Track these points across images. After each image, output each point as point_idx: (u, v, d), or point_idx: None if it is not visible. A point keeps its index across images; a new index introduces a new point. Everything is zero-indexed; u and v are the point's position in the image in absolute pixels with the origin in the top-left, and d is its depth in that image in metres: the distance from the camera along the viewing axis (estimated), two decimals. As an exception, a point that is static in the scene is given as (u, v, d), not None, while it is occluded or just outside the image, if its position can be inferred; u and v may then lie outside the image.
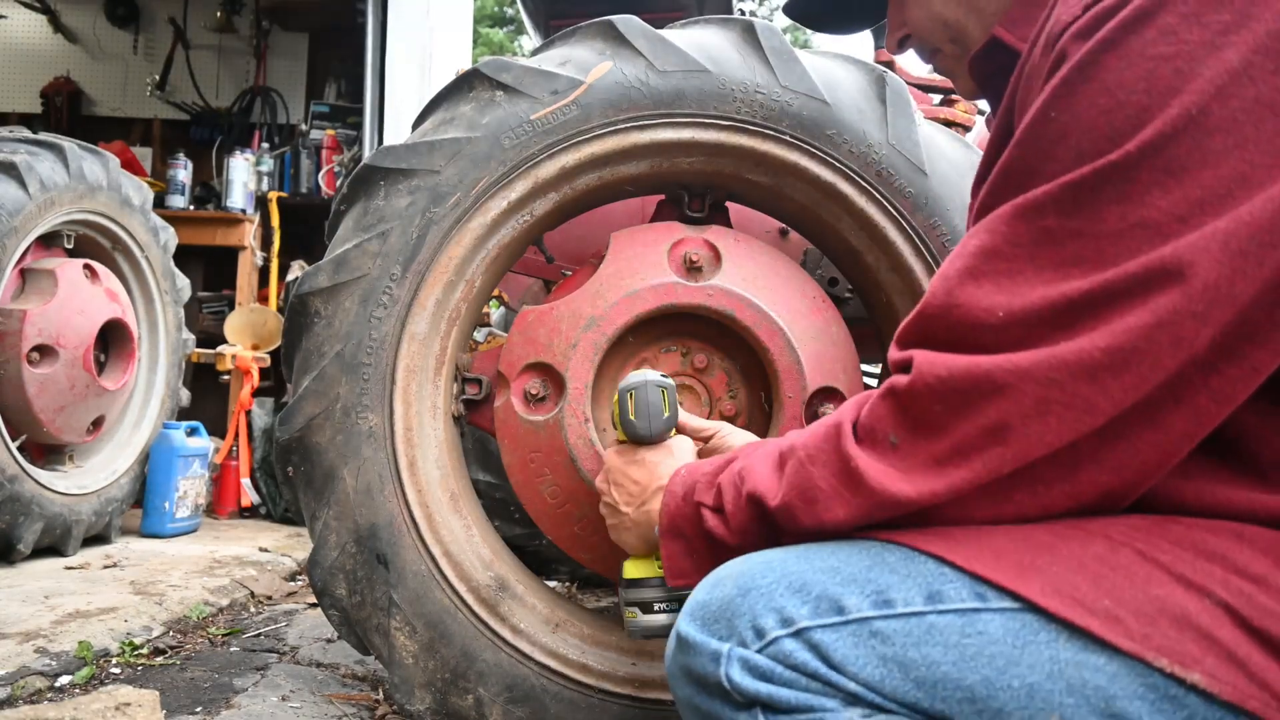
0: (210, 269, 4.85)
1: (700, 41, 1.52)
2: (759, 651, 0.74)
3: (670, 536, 0.96)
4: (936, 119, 2.12)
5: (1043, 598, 0.69)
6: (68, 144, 2.81)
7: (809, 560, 0.78)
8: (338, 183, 4.74)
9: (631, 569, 1.12)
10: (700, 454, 1.20)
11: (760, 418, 1.58)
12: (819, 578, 0.76)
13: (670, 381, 1.13)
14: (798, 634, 0.73)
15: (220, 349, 4.07)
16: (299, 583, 2.87)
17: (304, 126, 5.04)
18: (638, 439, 1.13)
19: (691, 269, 1.53)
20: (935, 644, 0.70)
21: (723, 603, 0.78)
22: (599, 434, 1.51)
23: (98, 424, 3.03)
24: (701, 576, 0.89)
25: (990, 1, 0.94)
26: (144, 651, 1.99)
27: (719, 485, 0.92)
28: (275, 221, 4.67)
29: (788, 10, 1.19)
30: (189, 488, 3.31)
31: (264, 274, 4.71)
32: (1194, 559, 0.70)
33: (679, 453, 1.14)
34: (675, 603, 1.08)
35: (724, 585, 0.79)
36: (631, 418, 1.12)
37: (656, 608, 1.08)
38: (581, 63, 1.51)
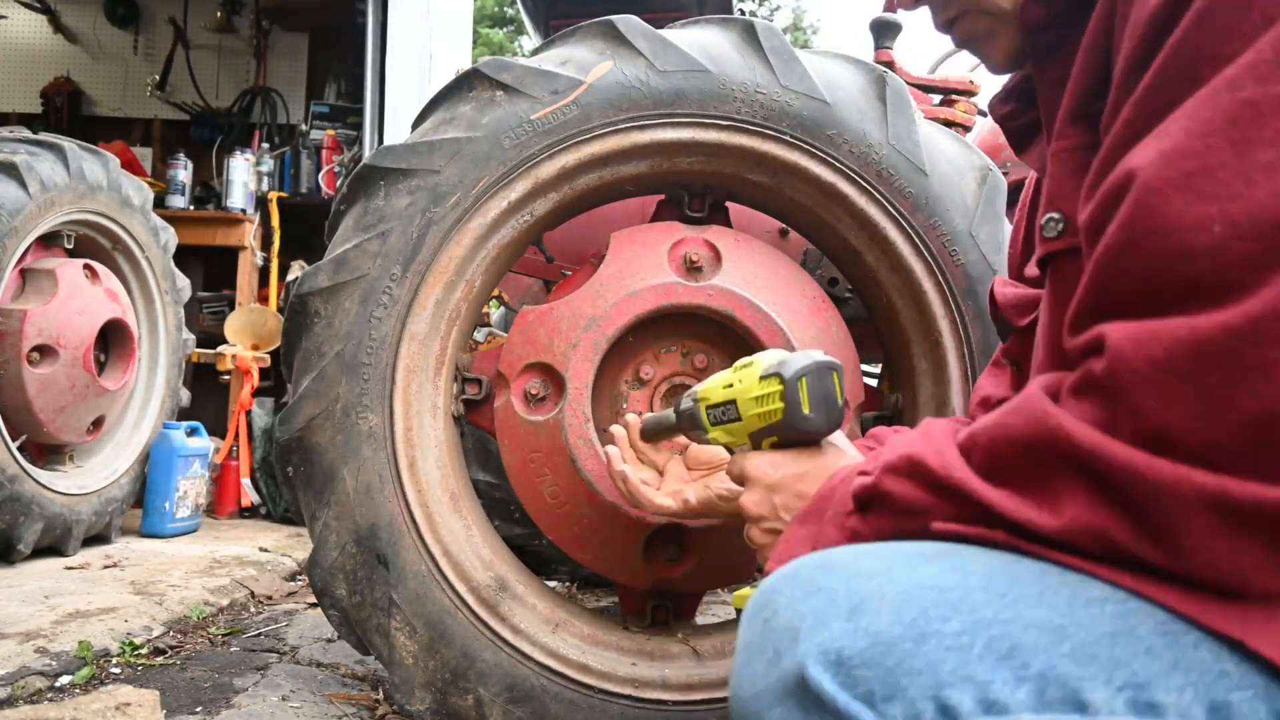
0: (210, 269, 4.85)
1: (700, 41, 1.52)
2: None
3: (801, 522, 0.78)
4: (936, 119, 2.12)
5: None
6: (68, 144, 2.81)
7: (1008, 602, 0.54)
8: (338, 183, 4.74)
9: None
10: None
11: (760, 418, 1.58)
12: (1035, 640, 0.52)
13: (838, 361, 0.92)
14: None
15: (220, 349, 4.07)
16: (299, 583, 2.87)
17: (304, 126, 5.04)
18: (814, 436, 0.90)
19: (691, 269, 1.53)
20: None
21: (878, 646, 0.53)
22: (599, 434, 1.51)
23: (98, 424, 3.03)
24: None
25: None
26: (144, 651, 1.99)
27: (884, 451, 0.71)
28: (275, 221, 4.67)
29: None
30: (189, 488, 3.31)
31: (264, 274, 4.71)
32: None
33: (848, 450, 0.92)
34: None
35: (875, 614, 0.55)
36: (807, 413, 0.88)
37: None
38: (581, 63, 1.51)
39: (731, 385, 0.97)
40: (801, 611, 0.57)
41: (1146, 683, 0.50)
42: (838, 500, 0.72)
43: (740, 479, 0.95)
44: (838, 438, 0.94)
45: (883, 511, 0.66)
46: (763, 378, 0.92)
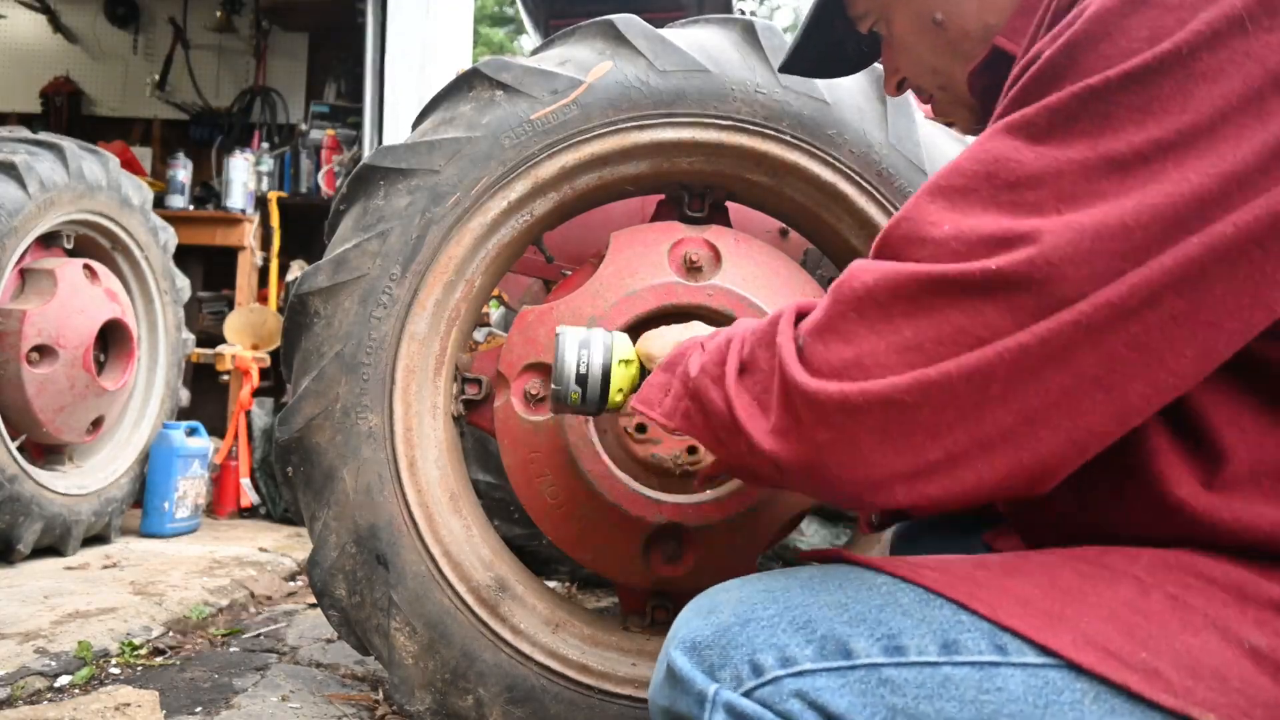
0: (210, 269, 4.85)
1: (700, 41, 1.52)
2: (749, 694, 0.69)
3: (663, 369, 0.95)
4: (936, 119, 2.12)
5: (1075, 651, 0.64)
6: (67, 144, 2.81)
7: (814, 593, 0.73)
8: (338, 183, 4.74)
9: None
10: None
11: (760, 418, 1.58)
12: (825, 614, 0.71)
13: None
14: (799, 676, 0.69)
15: (220, 349, 4.07)
16: (299, 583, 2.87)
17: (304, 126, 5.04)
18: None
19: (691, 269, 1.53)
20: (950, 698, 0.66)
21: (718, 632, 0.73)
22: (599, 434, 1.51)
23: (97, 424, 3.02)
24: (662, 416, 0.89)
25: (973, 47, 0.93)
26: (144, 652, 1.99)
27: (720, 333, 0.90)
28: (275, 221, 4.67)
29: (784, 69, 1.18)
30: (189, 488, 3.31)
31: (264, 274, 4.71)
32: (1226, 601, 0.67)
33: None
34: None
35: (720, 613, 0.75)
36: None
37: None
38: (581, 62, 1.50)
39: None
40: (680, 622, 0.78)
41: (898, 633, 0.69)
42: (686, 363, 0.90)
43: None
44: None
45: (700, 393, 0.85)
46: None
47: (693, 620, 0.76)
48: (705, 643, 0.73)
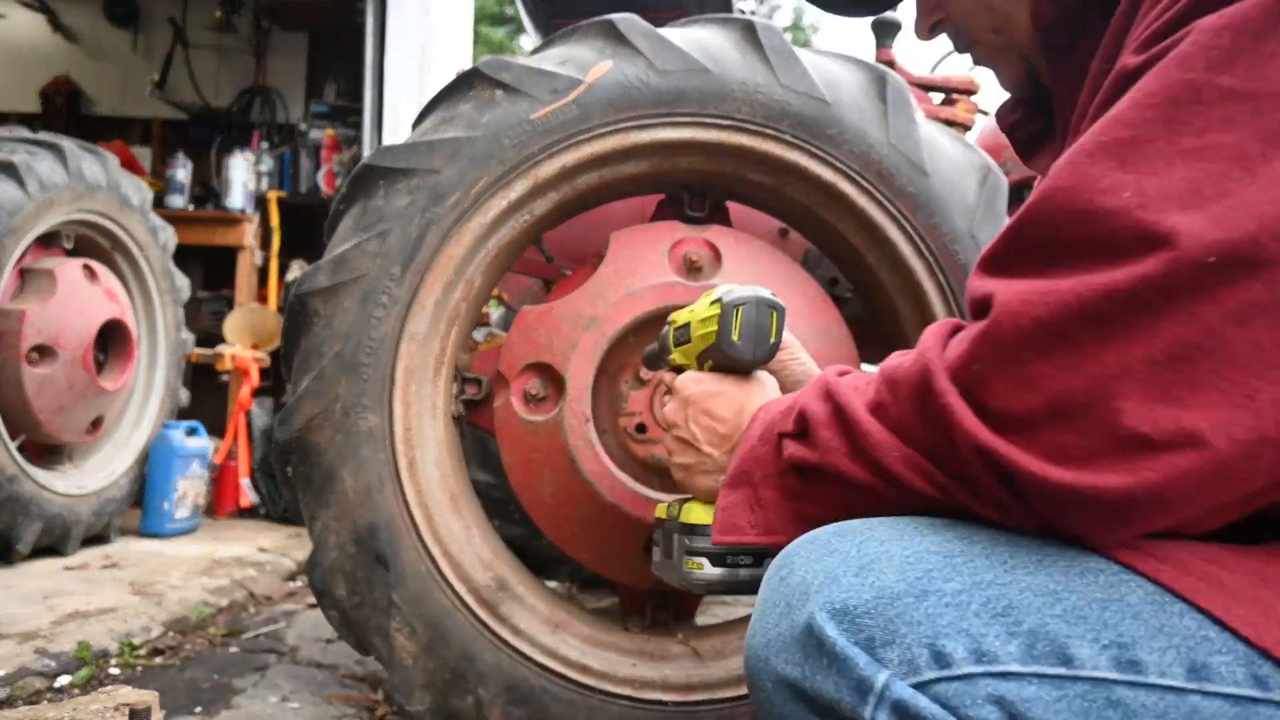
0: (210, 269, 4.85)
1: (700, 41, 1.52)
2: (927, 687, 0.55)
3: (732, 486, 0.80)
4: (937, 118, 2.12)
5: None
6: (67, 144, 2.81)
7: (1009, 570, 0.58)
8: (337, 183, 4.74)
9: (700, 514, 0.96)
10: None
11: (760, 418, 1.57)
12: (1030, 602, 0.56)
13: (781, 303, 0.97)
14: (1000, 677, 0.54)
15: (219, 349, 4.07)
16: (299, 583, 2.87)
17: (303, 126, 5.04)
18: (735, 364, 0.97)
19: (691, 269, 1.53)
20: None
21: (881, 598, 0.57)
22: (599, 434, 1.51)
23: (97, 424, 3.02)
24: (763, 534, 0.74)
25: None
26: (143, 652, 1.99)
27: (798, 409, 0.74)
28: (274, 221, 4.67)
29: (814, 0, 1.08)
30: (188, 488, 3.31)
31: (263, 274, 4.71)
32: None
33: (769, 389, 0.97)
34: (756, 558, 0.92)
35: (881, 572, 0.59)
36: (735, 339, 0.95)
37: (730, 560, 0.93)
38: (581, 62, 1.50)
39: (692, 310, 1.03)
40: (815, 570, 0.61)
41: (1131, 643, 0.55)
42: (764, 461, 0.76)
43: (670, 392, 1.01)
44: (768, 379, 0.99)
45: (817, 480, 0.70)
46: (711, 303, 0.98)
47: (840, 575, 0.60)
48: (863, 609, 0.57)
